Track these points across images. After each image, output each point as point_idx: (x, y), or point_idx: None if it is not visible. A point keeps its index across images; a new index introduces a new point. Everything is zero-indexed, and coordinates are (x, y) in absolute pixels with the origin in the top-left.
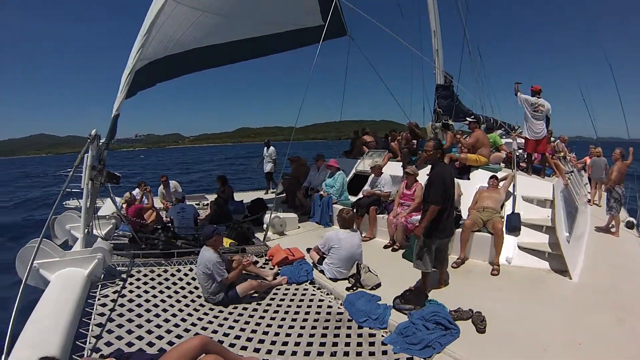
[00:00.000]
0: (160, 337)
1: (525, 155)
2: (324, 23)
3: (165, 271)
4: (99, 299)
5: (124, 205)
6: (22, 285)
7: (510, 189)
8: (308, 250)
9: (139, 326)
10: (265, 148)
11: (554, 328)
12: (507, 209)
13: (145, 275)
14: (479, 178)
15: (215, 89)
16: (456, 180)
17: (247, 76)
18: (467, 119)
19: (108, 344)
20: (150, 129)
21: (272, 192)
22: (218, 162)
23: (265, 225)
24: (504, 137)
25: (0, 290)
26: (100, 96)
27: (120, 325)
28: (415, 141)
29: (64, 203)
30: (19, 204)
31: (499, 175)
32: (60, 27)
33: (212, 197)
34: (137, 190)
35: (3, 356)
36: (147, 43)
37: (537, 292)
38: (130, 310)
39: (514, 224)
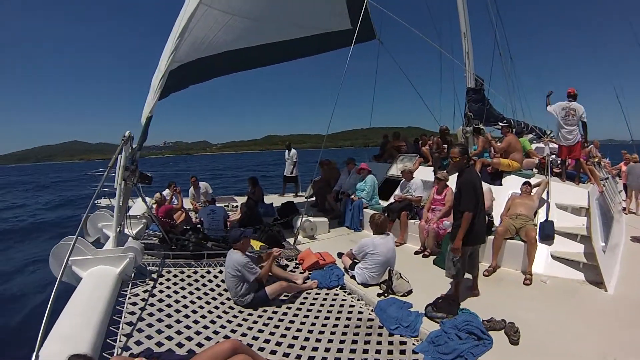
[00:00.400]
0: (189, 339)
1: (559, 161)
2: (352, 27)
3: (195, 272)
4: (129, 298)
5: (154, 206)
6: (56, 282)
7: (544, 196)
8: (339, 255)
9: (169, 326)
10: (287, 151)
11: (589, 342)
12: (540, 217)
13: (175, 276)
14: (512, 184)
15: (242, 98)
16: (488, 186)
17: (274, 84)
18: (500, 123)
19: (138, 342)
20: (178, 136)
21: (287, 196)
22: (247, 168)
23: (295, 229)
24: (535, 142)
25: (32, 283)
26: (130, 105)
27: (150, 325)
28: (445, 146)
29: (95, 202)
30: (58, 204)
31: (532, 181)
32: (94, 41)
33: (241, 200)
34: (167, 190)
35: (35, 349)
36: (179, 46)
37: (571, 303)
38: (160, 310)
39: (548, 232)
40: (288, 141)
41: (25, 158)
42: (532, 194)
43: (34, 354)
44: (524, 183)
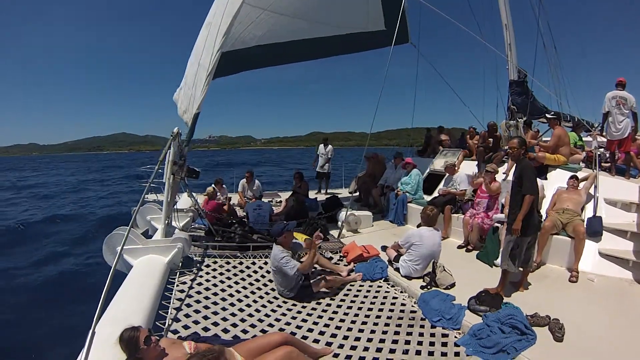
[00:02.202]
0: (234, 325)
1: (608, 155)
2: (386, 28)
3: (241, 263)
4: (177, 285)
5: (205, 198)
6: (111, 270)
7: (592, 190)
8: (383, 248)
9: (215, 313)
10: (323, 145)
11: (637, 344)
12: (588, 212)
13: (221, 267)
14: (557, 178)
15: (286, 97)
16: (541, 182)
17: (318, 86)
18: (547, 115)
19: (185, 327)
20: (223, 131)
21: (322, 194)
22: (296, 162)
23: (340, 223)
24: (583, 135)
25: (83, 269)
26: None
27: (197, 311)
28: (491, 139)
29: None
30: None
31: (579, 175)
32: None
33: (285, 195)
34: (212, 186)
35: (91, 328)
36: (225, 43)
37: (619, 303)
38: (206, 298)
39: (596, 228)
40: (326, 137)
41: (77, 148)
42: (579, 188)
43: (90, 332)
44: (571, 177)
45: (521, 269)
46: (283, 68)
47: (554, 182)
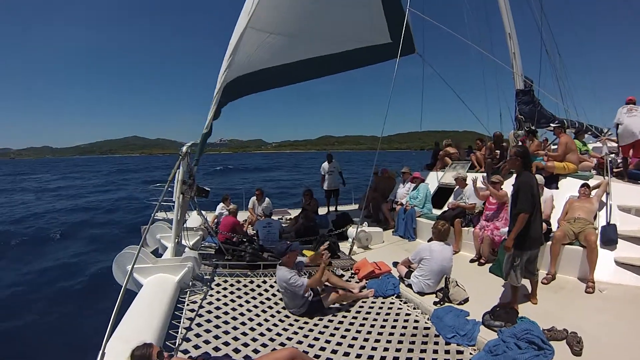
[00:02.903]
0: (245, 345)
1: (620, 160)
2: (391, 41)
3: (252, 282)
4: (187, 305)
5: (225, 215)
6: (122, 290)
7: (604, 198)
8: (395, 264)
9: (226, 332)
10: (327, 163)
11: None
12: (601, 220)
13: (231, 285)
14: (568, 187)
15: (296, 99)
16: (551, 193)
17: (329, 86)
18: (551, 124)
19: (196, 347)
20: (234, 134)
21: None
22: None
23: (350, 240)
24: (592, 141)
25: (97, 283)
26: (187, 102)
27: (207, 330)
28: (498, 151)
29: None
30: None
31: (591, 183)
32: (149, 39)
33: (295, 212)
34: (221, 204)
35: (102, 347)
36: (230, 67)
37: (637, 313)
38: (217, 317)
39: (610, 237)
40: (329, 153)
41: (90, 151)
42: (591, 196)
43: (100, 351)
44: (582, 185)
45: (526, 279)
46: None
47: (565, 191)
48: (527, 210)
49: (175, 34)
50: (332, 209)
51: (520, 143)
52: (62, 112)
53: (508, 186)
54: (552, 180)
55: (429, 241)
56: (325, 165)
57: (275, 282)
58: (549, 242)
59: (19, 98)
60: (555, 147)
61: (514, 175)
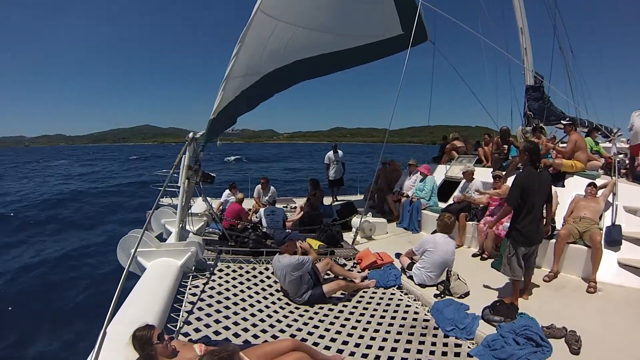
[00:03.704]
0: (245, 330)
1: (627, 161)
2: (403, 32)
3: (254, 268)
4: (189, 289)
5: (231, 202)
6: (124, 272)
7: (610, 198)
8: (397, 255)
9: (226, 317)
10: (332, 153)
11: None
12: (606, 221)
13: (234, 271)
14: (575, 185)
15: (309, 88)
16: (555, 189)
17: (342, 77)
18: (562, 121)
19: (196, 330)
20: (245, 124)
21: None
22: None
23: (354, 229)
24: (601, 141)
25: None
26: (199, 92)
27: (208, 315)
28: (506, 146)
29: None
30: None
31: (598, 182)
32: (159, 33)
33: (299, 201)
34: (227, 191)
35: (103, 328)
36: (238, 58)
37: (638, 314)
38: (218, 302)
39: (615, 237)
40: (335, 142)
41: (102, 139)
42: (597, 195)
43: (101, 332)
44: (589, 184)
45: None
46: None
47: (572, 189)
48: (509, 203)
49: (188, 27)
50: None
51: (526, 139)
52: (75, 101)
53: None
54: (559, 178)
55: (432, 233)
56: (331, 154)
57: None
58: (553, 240)
59: (33, 87)
60: (564, 144)
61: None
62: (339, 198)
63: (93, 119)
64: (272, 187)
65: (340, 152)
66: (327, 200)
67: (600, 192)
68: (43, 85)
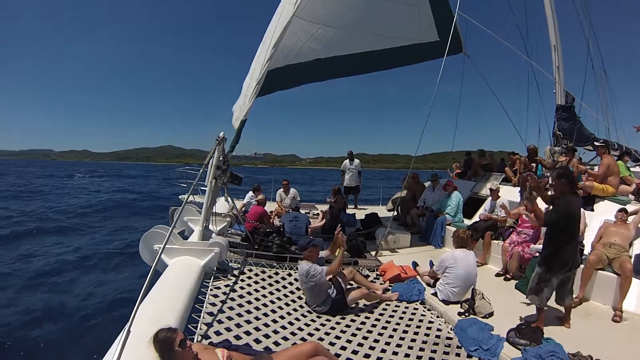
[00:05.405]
0: (267, 336)
1: None
2: (439, 39)
3: (277, 274)
4: (211, 290)
5: (253, 204)
6: (151, 270)
7: None
8: (414, 264)
9: (248, 322)
10: (348, 161)
11: None
12: (636, 248)
13: (256, 275)
14: (604, 210)
15: (330, 116)
16: (582, 210)
17: (363, 103)
18: (595, 143)
19: (217, 333)
20: (268, 148)
21: (353, 209)
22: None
23: (378, 241)
24: (631, 165)
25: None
26: (219, 114)
27: (229, 318)
28: (533, 165)
29: (179, 197)
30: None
31: (629, 208)
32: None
33: (322, 207)
34: (250, 193)
35: (127, 326)
36: (274, 55)
37: None
38: (240, 305)
39: None
40: (350, 150)
41: (127, 157)
42: (628, 222)
43: (125, 329)
44: (620, 209)
45: (561, 306)
46: (323, 86)
47: (601, 213)
48: (548, 222)
49: (211, 51)
50: (351, 207)
51: (554, 159)
52: (101, 119)
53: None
54: (589, 201)
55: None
56: (347, 162)
57: None
58: (582, 266)
59: (62, 104)
60: (592, 167)
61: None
62: (359, 207)
63: (118, 137)
64: (292, 189)
65: (356, 160)
66: (349, 210)
67: (630, 218)
68: (70, 101)
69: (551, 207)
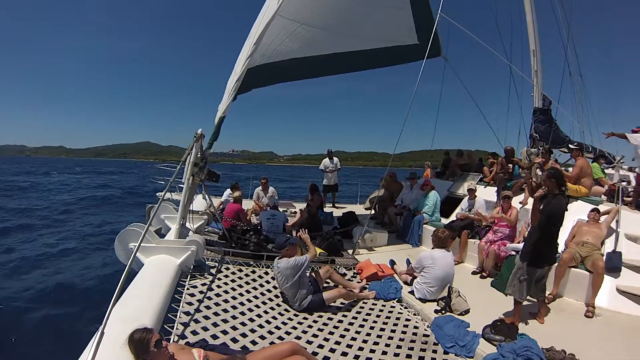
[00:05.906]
0: (244, 335)
1: (631, 189)
2: (419, 42)
3: (254, 272)
4: (187, 289)
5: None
6: (126, 268)
7: (613, 225)
8: (391, 262)
9: (225, 321)
10: (328, 159)
11: None
12: (608, 247)
13: (233, 273)
14: (577, 210)
15: (308, 114)
16: None
17: (344, 102)
18: (570, 145)
19: (194, 332)
20: (245, 145)
21: (331, 207)
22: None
23: (355, 239)
24: (604, 167)
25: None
26: (198, 111)
27: (206, 317)
28: (510, 165)
29: (156, 194)
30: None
31: (601, 208)
32: (162, 48)
33: (300, 205)
34: (228, 191)
35: (100, 328)
36: (255, 52)
37: (636, 341)
38: (217, 304)
39: (615, 264)
40: (329, 148)
41: (103, 153)
42: (600, 221)
43: (100, 330)
44: (592, 210)
45: (534, 299)
46: (304, 85)
47: (574, 213)
48: (539, 225)
49: (189, 44)
50: (329, 205)
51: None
52: (77, 114)
53: (516, 203)
54: None
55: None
56: (326, 161)
57: None
58: (555, 264)
59: (36, 97)
60: (567, 168)
61: (525, 192)
62: (337, 205)
63: (94, 133)
64: (271, 188)
65: (335, 158)
66: (327, 208)
67: (602, 218)
68: (44, 95)
69: (541, 205)
